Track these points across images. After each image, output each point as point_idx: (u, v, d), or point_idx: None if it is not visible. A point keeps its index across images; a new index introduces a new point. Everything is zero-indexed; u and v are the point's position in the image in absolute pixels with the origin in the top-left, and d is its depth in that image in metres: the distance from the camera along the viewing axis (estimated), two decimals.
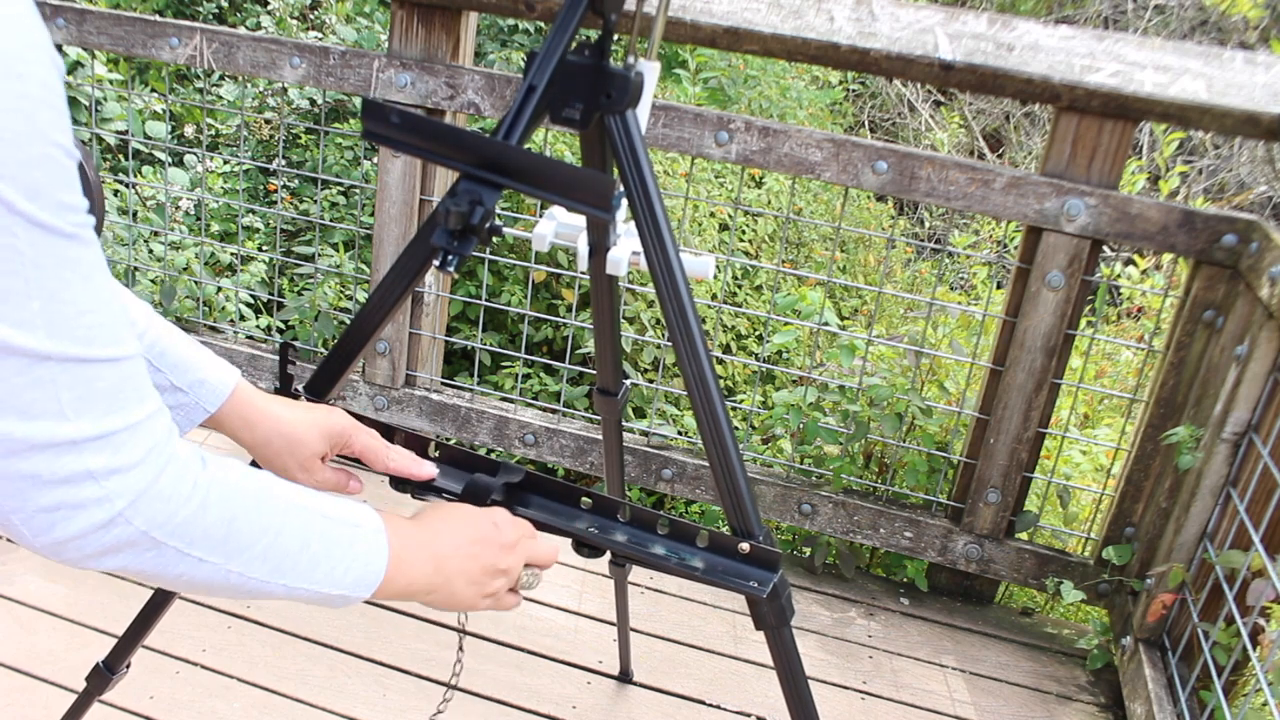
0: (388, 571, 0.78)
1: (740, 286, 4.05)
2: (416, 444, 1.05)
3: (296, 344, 2.34)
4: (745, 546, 0.95)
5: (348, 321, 2.52)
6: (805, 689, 1.05)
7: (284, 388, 1.09)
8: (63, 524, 0.58)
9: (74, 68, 3.10)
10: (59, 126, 0.54)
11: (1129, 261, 3.45)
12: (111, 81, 3.09)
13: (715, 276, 3.43)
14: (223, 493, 0.66)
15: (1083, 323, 2.09)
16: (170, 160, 3.54)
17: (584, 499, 0.99)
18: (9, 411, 0.55)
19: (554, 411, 2.45)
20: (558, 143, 3.63)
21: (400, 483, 1.03)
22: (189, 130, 4.39)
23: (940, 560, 2.22)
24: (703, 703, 1.90)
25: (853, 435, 2.27)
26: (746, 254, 4.21)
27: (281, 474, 0.99)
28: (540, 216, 1.67)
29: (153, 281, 2.87)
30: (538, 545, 0.91)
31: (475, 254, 2.57)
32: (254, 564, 0.69)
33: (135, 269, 2.83)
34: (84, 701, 1.34)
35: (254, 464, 1.05)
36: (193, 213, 3.71)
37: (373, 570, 0.77)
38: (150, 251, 3.11)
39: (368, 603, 2.03)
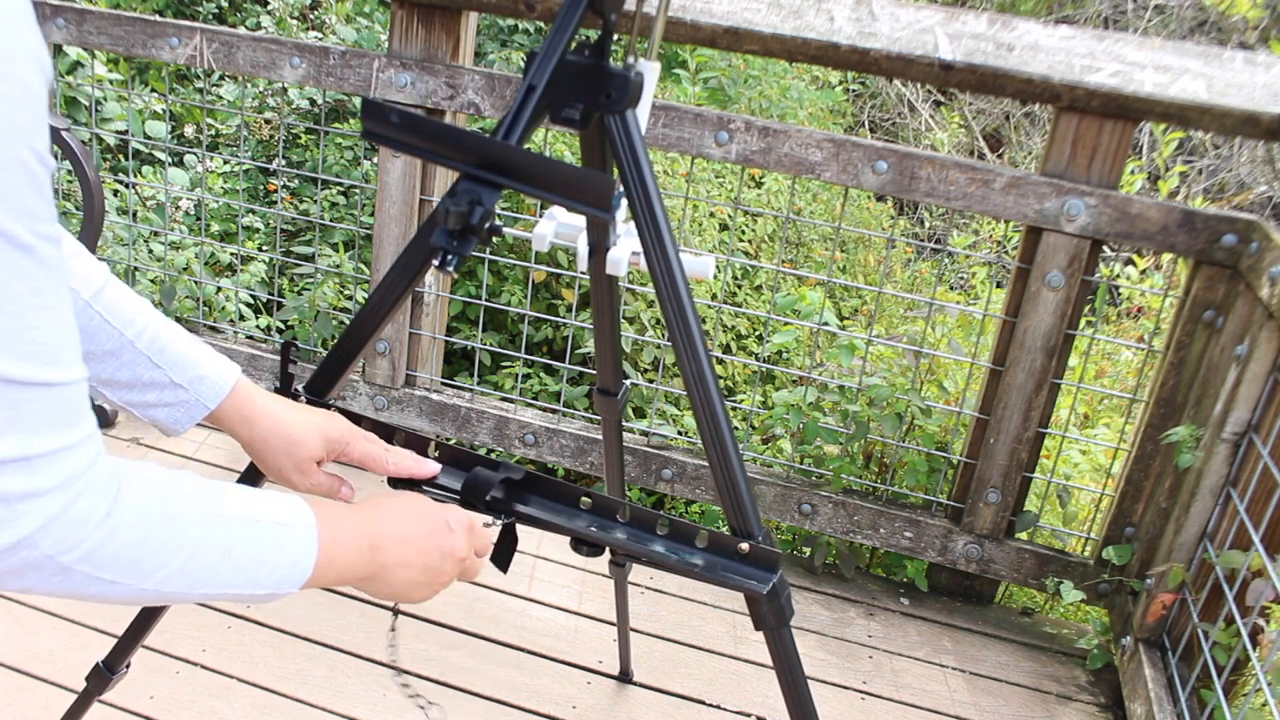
0: (317, 566, 0.77)
1: (740, 286, 4.05)
2: (416, 444, 1.05)
3: (297, 344, 2.34)
4: (745, 546, 0.95)
5: (347, 321, 2.52)
6: (805, 689, 1.05)
7: (284, 387, 1.09)
8: None
9: (74, 68, 3.10)
10: (35, 132, 0.52)
11: (1128, 261, 3.45)
12: (111, 81, 3.09)
13: (715, 276, 3.43)
14: (136, 516, 0.65)
15: (1083, 323, 2.09)
16: (170, 160, 3.54)
17: (584, 499, 0.99)
18: None
19: (554, 411, 2.45)
20: (558, 143, 3.63)
21: (399, 483, 1.03)
22: (189, 130, 4.39)
23: (940, 560, 2.22)
24: (703, 703, 1.90)
25: (853, 435, 2.27)
26: (746, 254, 4.21)
27: (277, 474, 0.99)
28: (540, 216, 1.67)
29: (153, 281, 2.87)
30: (484, 542, 0.93)
31: (475, 254, 2.57)
32: (171, 579, 0.68)
33: (135, 269, 2.83)
34: (84, 701, 1.34)
35: (251, 467, 1.05)
36: (193, 213, 3.71)
37: (300, 568, 0.76)
38: (150, 251, 3.11)
39: (367, 602, 2.04)
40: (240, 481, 1.07)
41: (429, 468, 1.01)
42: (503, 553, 0.97)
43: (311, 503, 0.79)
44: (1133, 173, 2.81)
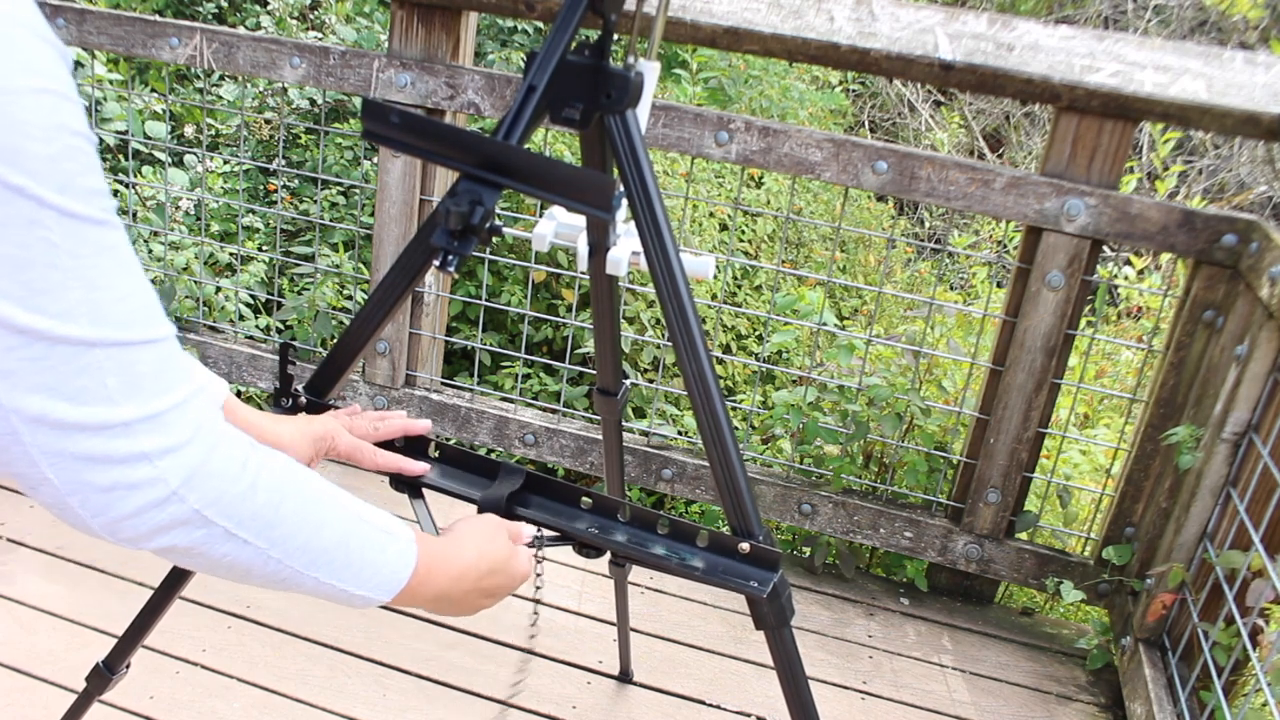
0: (410, 582, 0.80)
1: (740, 286, 4.05)
2: (417, 444, 1.05)
3: (296, 344, 2.34)
4: (745, 546, 0.95)
5: (347, 321, 2.52)
6: (805, 689, 1.05)
7: (284, 388, 1.09)
8: (119, 503, 0.60)
9: (74, 68, 3.10)
10: (78, 116, 0.55)
11: (1127, 262, 3.45)
12: (111, 81, 3.09)
13: (715, 276, 3.43)
14: (271, 477, 0.68)
15: (1083, 323, 2.09)
16: (170, 160, 3.54)
17: (584, 499, 0.99)
18: (60, 398, 0.56)
19: (554, 411, 2.45)
20: (558, 143, 3.63)
21: (400, 483, 1.04)
22: (189, 130, 4.39)
23: (940, 560, 2.22)
24: (703, 703, 1.90)
25: (852, 435, 2.27)
26: (746, 254, 4.21)
27: None
28: (540, 216, 1.67)
29: (152, 281, 2.86)
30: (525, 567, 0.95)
31: (475, 254, 2.57)
32: (294, 554, 0.70)
33: None
34: (84, 701, 1.34)
35: None
36: (192, 213, 3.70)
37: (398, 578, 0.79)
38: (150, 251, 3.11)
39: None
40: None
41: (417, 466, 1.02)
42: None
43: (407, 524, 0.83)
44: (1131, 171, 2.81)
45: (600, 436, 2.03)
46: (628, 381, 1.43)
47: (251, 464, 0.66)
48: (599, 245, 1.17)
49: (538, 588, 1.39)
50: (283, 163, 3.39)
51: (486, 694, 1.85)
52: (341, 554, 0.74)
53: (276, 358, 2.47)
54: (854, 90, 7.05)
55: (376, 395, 2.43)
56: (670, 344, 1.44)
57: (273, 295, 3.14)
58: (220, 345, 2.56)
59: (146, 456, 0.59)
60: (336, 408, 1.08)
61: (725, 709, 1.90)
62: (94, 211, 0.56)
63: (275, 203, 4.04)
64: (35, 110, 0.52)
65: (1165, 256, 3.28)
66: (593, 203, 0.81)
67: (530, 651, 1.97)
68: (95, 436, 0.58)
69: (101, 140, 3.19)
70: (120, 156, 3.59)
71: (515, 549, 0.92)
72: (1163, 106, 1.85)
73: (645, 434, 2.38)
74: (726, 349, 3.70)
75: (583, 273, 1.31)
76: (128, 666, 1.32)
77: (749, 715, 1.89)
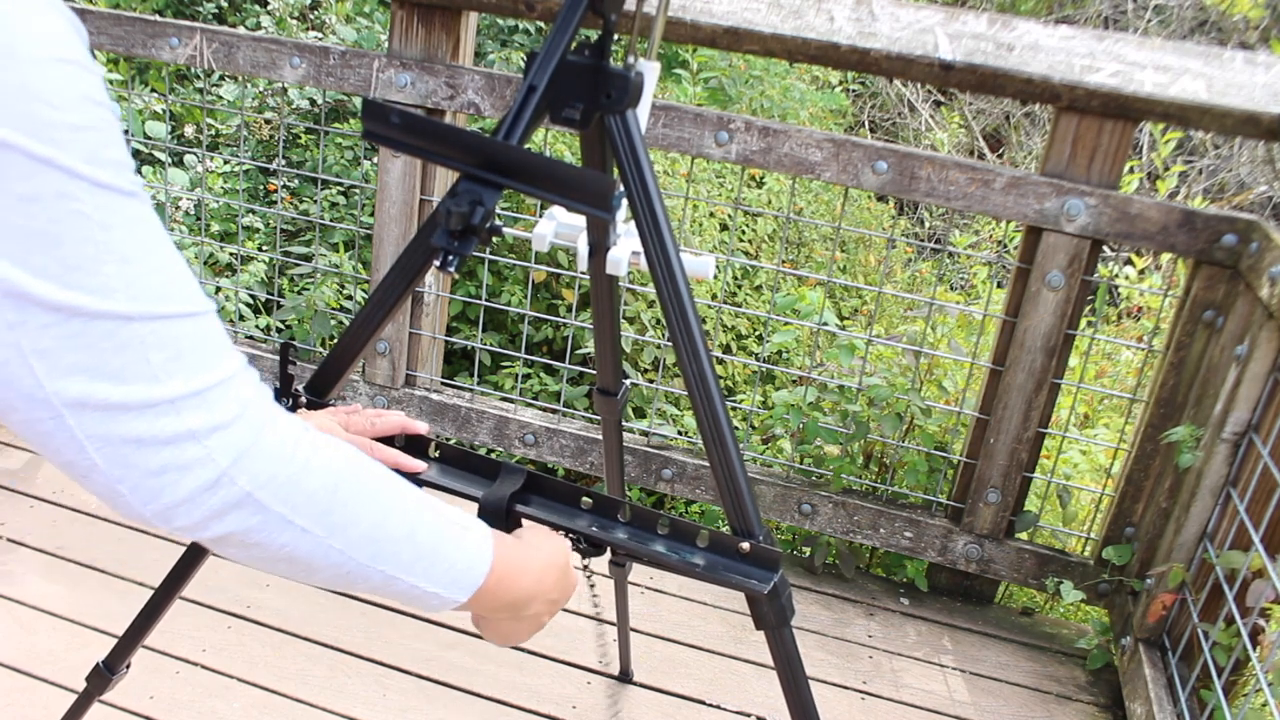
0: (487, 581, 0.75)
1: (740, 286, 4.05)
2: (417, 444, 1.05)
3: (296, 344, 2.34)
4: (745, 546, 0.95)
5: (347, 321, 2.52)
6: (805, 689, 1.05)
7: (284, 388, 1.09)
8: (170, 488, 0.57)
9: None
10: (98, 87, 0.54)
11: (1127, 261, 3.45)
12: (111, 81, 3.08)
13: (715, 276, 3.43)
14: (326, 459, 0.64)
15: (1083, 323, 2.09)
16: (170, 160, 3.54)
17: (584, 499, 0.99)
18: (101, 378, 0.54)
19: (554, 411, 2.45)
20: (558, 143, 3.63)
21: None
22: (189, 130, 4.39)
23: (940, 560, 2.22)
24: (703, 703, 1.90)
25: (853, 435, 2.27)
26: (746, 254, 4.21)
27: None
28: (540, 216, 1.67)
29: None
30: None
31: (475, 254, 2.57)
32: (357, 544, 0.66)
33: None
34: (84, 701, 1.34)
35: None
36: (193, 213, 3.70)
37: (475, 574, 0.74)
38: None
39: (367, 602, 2.04)
40: None
41: (415, 464, 1.02)
42: None
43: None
44: (1130, 171, 2.81)
45: (600, 436, 2.03)
46: (628, 381, 1.43)
47: (305, 445, 0.63)
48: (599, 245, 1.17)
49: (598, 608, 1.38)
50: (283, 163, 3.39)
51: (486, 694, 1.85)
52: (410, 546, 0.69)
53: (276, 358, 2.47)
54: (854, 90, 7.05)
55: (376, 395, 2.43)
56: (670, 344, 1.44)
57: (272, 295, 3.14)
58: None
59: (194, 435, 0.57)
60: (336, 407, 1.08)
61: (725, 709, 1.90)
62: (123, 183, 0.54)
63: (275, 203, 4.04)
64: (58, 80, 0.51)
65: (1165, 256, 3.28)
66: (593, 203, 0.81)
67: (530, 651, 1.97)
68: (141, 416, 0.55)
69: None
70: None
71: (573, 565, 0.89)
72: (1163, 106, 1.85)
73: (645, 434, 2.38)
74: (726, 349, 3.70)
75: (583, 273, 1.31)
76: (128, 666, 1.32)
77: (749, 715, 1.89)
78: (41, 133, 0.50)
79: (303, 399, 1.09)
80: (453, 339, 2.61)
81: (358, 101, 3.90)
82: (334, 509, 0.64)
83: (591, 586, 0.85)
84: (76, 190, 0.52)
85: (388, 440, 1.05)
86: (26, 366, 0.53)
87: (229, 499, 0.59)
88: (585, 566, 0.91)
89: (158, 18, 2.35)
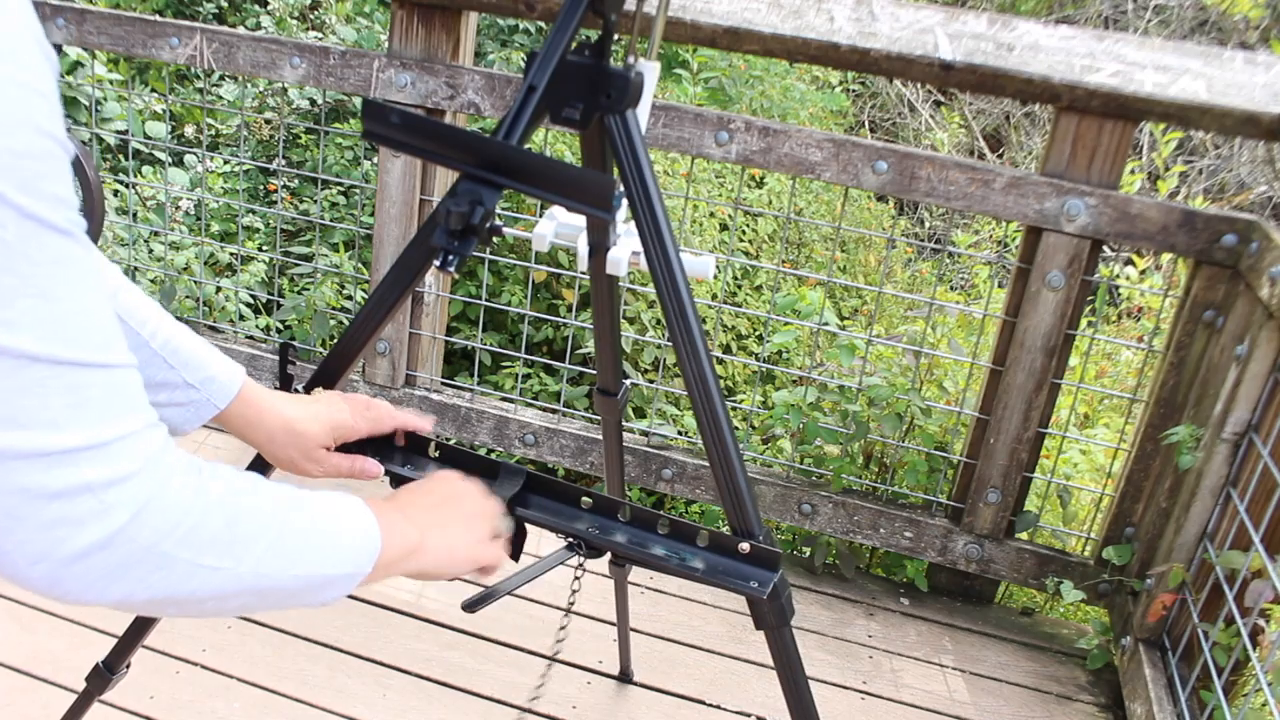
0: (383, 537, 0.76)
1: (740, 286, 4.05)
2: (417, 444, 1.05)
3: (295, 344, 2.34)
4: (745, 546, 0.95)
5: (347, 321, 2.52)
6: (805, 689, 1.05)
7: (284, 387, 1.09)
8: (62, 544, 0.53)
9: (74, 68, 3.10)
10: (52, 117, 0.51)
11: (1128, 261, 3.45)
12: (111, 81, 3.08)
13: (715, 276, 3.43)
14: (223, 494, 0.63)
15: (1083, 323, 2.09)
16: (170, 160, 3.54)
17: (584, 499, 0.99)
18: None
19: (554, 411, 2.45)
20: (558, 143, 3.63)
21: (399, 482, 1.04)
22: (189, 130, 4.39)
23: (940, 560, 2.22)
24: (703, 703, 1.90)
25: (853, 435, 2.27)
26: (746, 254, 4.21)
27: (289, 466, 1.01)
28: (540, 216, 1.67)
29: (152, 281, 2.87)
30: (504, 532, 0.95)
31: (475, 254, 2.57)
32: (265, 560, 0.65)
33: (135, 269, 2.83)
34: (84, 701, 1.34)
35: (258, 459, 1.06)
36: (193, 213, 3.70)
37: (371, 539, 0.75)
38: (150, 251, 3.11)
39: (368, 603, 2.04)
40: (248, 470, 1.09)
41: (423, 423, 1.04)
42: (515, 542, 0.98)
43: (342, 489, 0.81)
44: (1132, 172, 2.81)
45: (600, 436, 2.03)
46: (628, 381, 1.43)
47: (203, 488, 0.61)
48: (599, 245, 1.17)
49: (571, 603, 1.40)
50: (283, 163, 3.39)
51: (486, 694, 1.85)
52: (312, 544, 0.69)
53: (276, 358, 2.47)
54: (854, 90, 7.05)
55: (376, 395, 2.43)
56: (670, 344, 1.44)
57: (273, 295, 3.14)
58: (220, 345, 2.56)
59: (90, 489, 0.53)
60: (354, 394, 1.09)
61: (725, 709, 1.90)
62: (57, 218, 0.51)
63: (275, 203, 4.04)
64: (6, 101, 0.48)
65: (1166, 256, 3.28)
66: (593, 203, 0.81)
67: (530, 651, 1.97)
68: (34, 465, 0.51)
69: (101, 140, 3.19)
70: (120, 156, 3.59)
71: (474, 490, 0.92)
72: (1163, 106, 1.85)
73: (645, 434, 2.38)
74: (726, 349, 3.70)
75: (583, 273, 1.31)
76: (128, 666, 1.32)
77: (749, 715, 1.89)
78: None
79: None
80: (453, 339, 2.61)
81: (358, 101, 3.90)
82: (237, 538, 0.63)
83: (575, 584, 0.85)
84: (5, 217, 0.49)
85: (386, 439, 1.06)
86: None
87: (129, 556, 0.56)
88: (581, 565, 0.91)
89: (158, 18, 2.35)
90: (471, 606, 1.03)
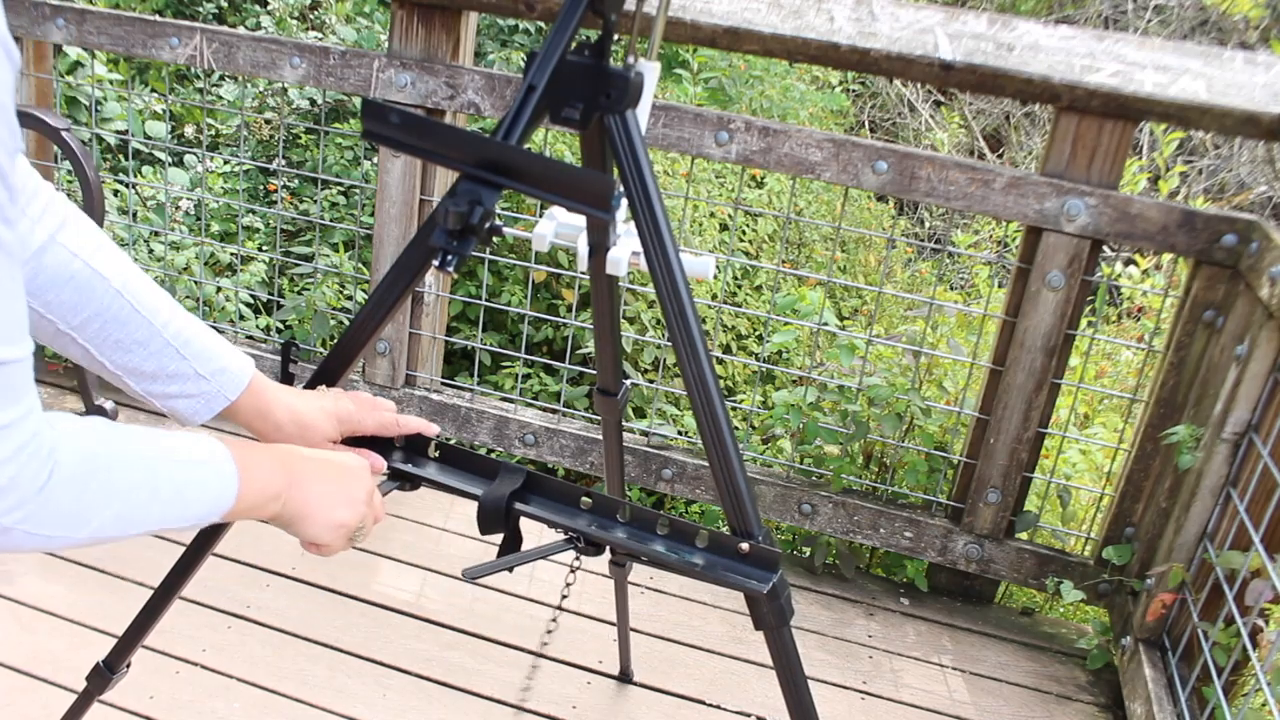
0: (239, 492, 0.81)
1: (740, 286, 4.05)
2: (417, 443, 1.06)
3: (296, 344, 2.34)
4: (745, 546, 0.95)
5: (347, 321, 2.52)
6: (805, 689, 1.05)
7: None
8: None
9: (74, 68, 3.10)
10: None
11: (1129, 261, 3.45)
12: (111, 81, 3.09)
13: (715, 276, 3.43)
14: (72, 474, 0.67)
15: (1083, 323, 2.09)
16: (170, 160, 3.54)
17: (584, 499, 0.99)
18: None
19: (554, 411, 2.45)
20: (558, 143, 3.63)
21: (396, 475, 1.04)
22: (189, 130, 4.39)
23: (940, 560, 2.22)
24: (703, 703, 1.90)
25: (853, 435, 2.27)
26: (746, 254, 4.21)
27: None
28: (540, 216, 1.67)
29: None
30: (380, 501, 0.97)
31: (475, 254, 2.57)
32: (105, 526, 0.71)
33: None
34: (84, 701, 1.34)
35: None
36: (193, 213, 3.70)
37: (225, 497, 0.80)
38: (150, 251, 3.11)
39: (368, 602, 2.04)
40: None
41: (432, 430, 1.05)
42: (509, 546, 0.98)
43: (225, 439, 0.83)
44: (1136, 173, 2.81)
45: (600, 436, 2.03)
46: (628, 381, 1.43)
47: (54, 471, 0.66)
48: (599, 245, 1.17)
49: (564, 596, 1.40)
50: (283, 163, 3.39)
51: (486, 694, 1.85)
52: (157, 505, 0.74)
53: (277, 358, 2.47)
54: (854, 90, 7.05)
55: (376, 395, 2.42)
56: (670, 344, 1.44)
57: (273, 295, 3.14)
58: None
59: None
60: (359, 393, 1.09)
61: (725, 709, 1.90)
62: None
63: (275, 203, 4.04)
64: None
65: (1167, 256, 3.28)
66: (593, 203, 0.81)
67: (530, 651, 1.97)
68: None
69: (101, 140, 3.19)
70: (120, 156, 3.59)
71: (363, 468, 0.94)
72: (1163, 106, 1.85)
73: (645, 434, 2.38)
74: (726, 349, 3.70)
75: (583, 273, 1.31)
76: (128, 666, 1.32)
77: (749, 715, 1.89)
78: None
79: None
80: (453, 339, 2.61)
81: (358, 101, 3.90)
82: (78, 512, 0.69)
83: (569, 580, 0.85)
84: None
85: (386, 440, 1.06)
86: None
87: None
88: (576, 564, 0.91)
89: (158, 18, 2.35)
90: (473, 577, 1.04)
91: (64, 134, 2.19)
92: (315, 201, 3.82)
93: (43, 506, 0.66)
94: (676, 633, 2.08)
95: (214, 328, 2.70)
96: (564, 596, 1.65)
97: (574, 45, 0.93)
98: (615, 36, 0.95)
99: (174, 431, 0.80)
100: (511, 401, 2.47)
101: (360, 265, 3.06)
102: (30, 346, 0.62)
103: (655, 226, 0.96)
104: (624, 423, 2.21)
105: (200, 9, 5.10)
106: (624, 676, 1.92)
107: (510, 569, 1.01)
